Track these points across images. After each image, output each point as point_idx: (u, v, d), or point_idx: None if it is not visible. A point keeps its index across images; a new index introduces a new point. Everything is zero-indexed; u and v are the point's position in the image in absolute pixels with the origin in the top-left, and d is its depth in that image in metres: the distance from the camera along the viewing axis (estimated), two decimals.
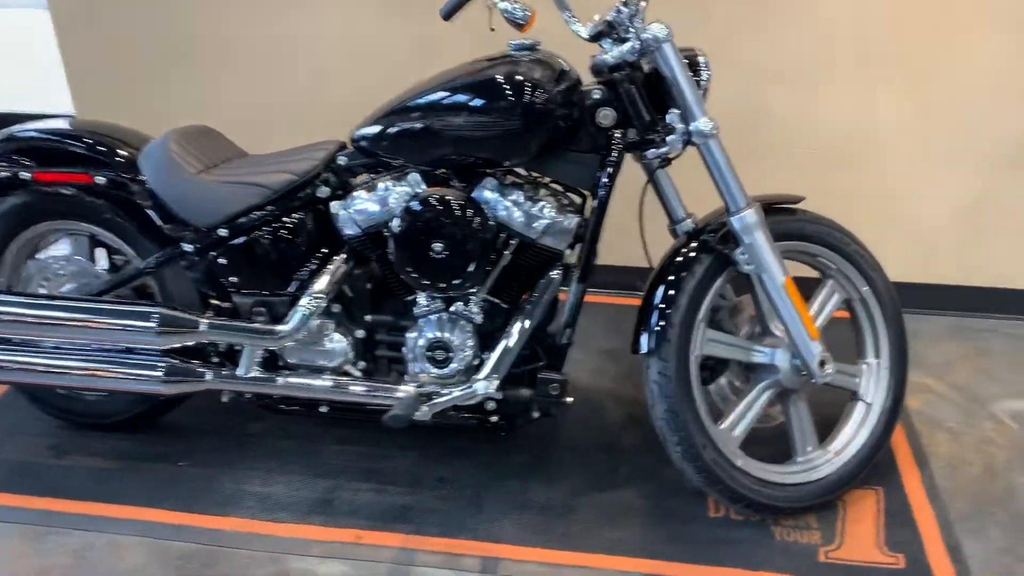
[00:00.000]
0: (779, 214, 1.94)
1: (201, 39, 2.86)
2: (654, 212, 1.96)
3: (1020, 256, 2.72)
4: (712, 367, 1.99)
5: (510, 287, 1.95)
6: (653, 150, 1.84)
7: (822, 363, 1.88)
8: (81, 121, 2.22)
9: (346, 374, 2.01)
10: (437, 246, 1.80)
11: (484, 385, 1.86)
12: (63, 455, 2.24)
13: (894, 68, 2.53)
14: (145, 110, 2.94)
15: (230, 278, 1.99)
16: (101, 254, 2.22)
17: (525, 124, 1.76)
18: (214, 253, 1.98)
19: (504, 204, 1.85)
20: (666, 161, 1.87)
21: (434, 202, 1.79)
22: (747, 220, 1.81)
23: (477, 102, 1.77)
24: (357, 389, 1.94)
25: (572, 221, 1.87)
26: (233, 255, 1.97)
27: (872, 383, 2.05)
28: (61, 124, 2.15)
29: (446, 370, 1.92)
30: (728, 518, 1.99)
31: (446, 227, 1.79)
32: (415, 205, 1.80)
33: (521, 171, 1.93)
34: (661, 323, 1.84)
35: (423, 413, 1.88)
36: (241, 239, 1.95)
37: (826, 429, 2.04)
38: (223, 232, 1.95)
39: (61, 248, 2.20)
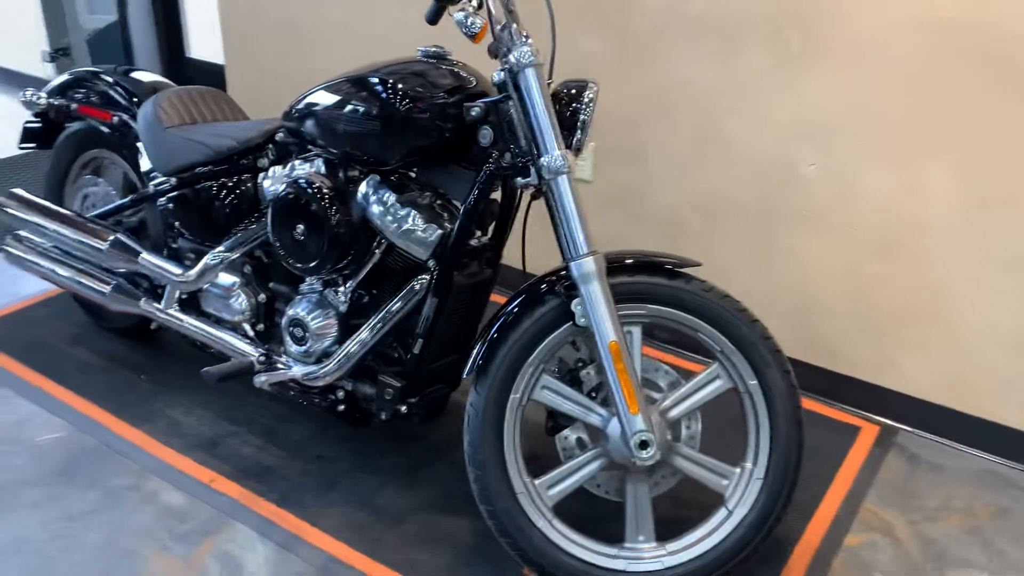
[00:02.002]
0: (664, 276, 1.76)
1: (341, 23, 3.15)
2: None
3: None
4: (556, 418, 1.87)
5: (384, 286, 1.97)
6: (520, 178, 1.76)
7: (643, 444, 1.68)
8: (151, 77, 2.57)
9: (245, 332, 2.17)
10: (299, 227, 1.89)
11: (302, 368, 1.92)
12: (73, 345, 2.65)
13: (953, 144, 2.11)
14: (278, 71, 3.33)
15: (175, 223, 2.24)
16: None
17: (384, 128, 1.78)
18: (165, 199, 2.23)
19: (375, 202, 1.88)
20: (538, 192, 1.78)
21: (304, 185, 1.87)
22: (584, 268, 1.66)
23: (353, 99, 1.82)
24: (219, 340, 2.10)
25: (434, 233, 1.85)
26: (177, 203, 2.21)
27: (739, 490, 1.78)
28: (137, 74, 2.54)
29: (301, 348, 2.00)
30: None
31: (308, 211, 1.87)
32: (291, 184, 1.90)
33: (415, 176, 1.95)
34: (483, 355, 1.77)
35: (261, 382, 1.99)
36: (184, 190, 2.19)
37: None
38: (172, 181, 2.19)
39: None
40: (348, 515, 2.02)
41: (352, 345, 1.93)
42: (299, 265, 1.91)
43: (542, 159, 1.67)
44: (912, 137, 2.15)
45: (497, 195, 1.96)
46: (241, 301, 2.14)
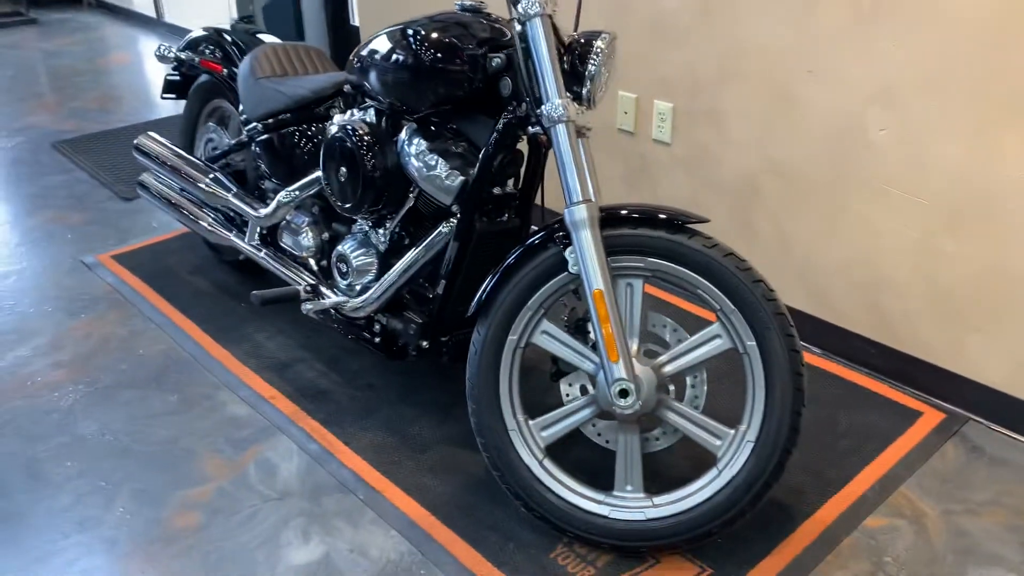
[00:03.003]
0: (666, 229, 1.75)
1: None
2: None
3: None
4: (559, 364, 1.92)
5: (418, 229, 2.10)
6: (530, 127, 1.82)
7: (623, 392, 1.70)
8: (270, 38, 2.83)
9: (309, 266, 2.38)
10: (342, 168, 2.05)
11: (338, 298, 2.08)
12: (193, 274, 3.00)
13: None
14: None
15: (261, 165, 2.48)
16: None
17: (412, 77, 1.89)
18: (254, 143, 2.47)
19: (408, 149, 2.01)
20: (549, 141, 1.82)
21: (349, 130, 2.03)
22: (575, 215, 1.70)
23: (389, 51, 1.94)
24: (280, 270, 2.32)
25: (456, 180, 1.94)
26: (263, 147, 2.44)
27: (730, 452, 1.76)
28: (260, 36, 2.81)
29: (345, 282, 2.17)
30: (532, 517, 1.92)
31: (348, 154, 2.02)
32: (339, 129, 2.06)
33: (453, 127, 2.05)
34: (488, 294, 1.84)
35: (307, 310, 2.18)
36: (268, 136, 2.41)
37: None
38: (259, 126, 2.43)
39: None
40: (379, 439, 2.18)
41: (384, 282, 2.07)
42: (339, 203, 2.08)
43: (542, 107, 1.72)
44: (988, 103, 1.97)
45: (524, 146, 2.02)
46: (308, 238, 2.35)
